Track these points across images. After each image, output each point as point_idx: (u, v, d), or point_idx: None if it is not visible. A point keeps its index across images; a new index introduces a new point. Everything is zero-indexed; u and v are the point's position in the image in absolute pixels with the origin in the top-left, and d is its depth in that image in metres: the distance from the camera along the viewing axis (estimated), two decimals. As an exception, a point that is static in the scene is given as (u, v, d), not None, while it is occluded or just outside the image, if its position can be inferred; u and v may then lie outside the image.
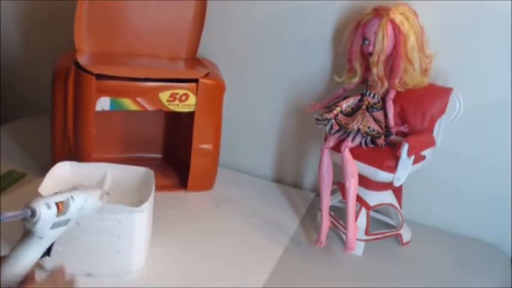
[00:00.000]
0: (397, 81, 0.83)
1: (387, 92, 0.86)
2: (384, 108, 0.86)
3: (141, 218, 0.72)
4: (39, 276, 0.53)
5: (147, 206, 0.72)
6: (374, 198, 0.88)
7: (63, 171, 0.79)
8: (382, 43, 0.81)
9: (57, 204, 0.54)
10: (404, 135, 0.84)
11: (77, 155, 0.91)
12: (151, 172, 0.80)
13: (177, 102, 0.94)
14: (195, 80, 0.94)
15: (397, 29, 0.80)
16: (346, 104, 0.87)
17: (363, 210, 0.87)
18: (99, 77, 0.88)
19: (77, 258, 0.62)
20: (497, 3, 0.85)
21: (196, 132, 0.97)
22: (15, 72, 1.35)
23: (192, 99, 0.94)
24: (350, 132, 0.85)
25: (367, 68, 0.87)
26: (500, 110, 0.90)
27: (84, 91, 0.89)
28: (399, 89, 0.84)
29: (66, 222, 0.56)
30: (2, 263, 0.50)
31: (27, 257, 0.52)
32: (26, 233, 0.53)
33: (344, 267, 0.86)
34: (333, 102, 0.90)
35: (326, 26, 0.98)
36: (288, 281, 0.80)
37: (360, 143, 0.84)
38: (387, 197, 0.90)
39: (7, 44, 1.34)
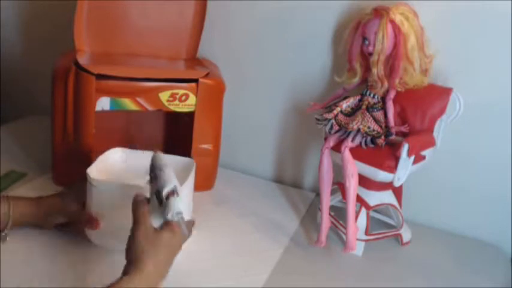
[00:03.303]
0: (397, 81, 0.83)
1: (387, 92, 0.86)
2: (384, 108, 0.86)
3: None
4: None
5: (187, 186, 0.76)
6: (374, 198, 0.88)
7: (114, 156, 0.85)
8: (382, 43, 0.81)
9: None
10: (404, 135, 0.84)
11: (77, 155, 0.91)
12: (193, 161, 0.85)
13: (177, 102, 0.94)
14: (195, 80, 0.94)
15: (397, 29, 0.80)
16: (346, 104, 0.87)
17: (363, 210, 0.87)
18: (99, 77, 0.88)
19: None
20: (497, 3, 0.85)
21: (196, 132, 0.97)
22: (15, 72, 1.35)
23: (192, 99, 0.94)
24: (350, 132, 0.85)
25: (367, 68, 0.87)
26: (501, 110, 0.90)
27: (84, 91, 0.89)
28: (399, 89, 0.84)
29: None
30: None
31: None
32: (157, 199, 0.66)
33: (344, 267, 0.86)
34: (333, 102, 0.90)
35: (326, 26, 0.98)
36: (288, 281, 0.80)
37: (360, 143, 0.84)
38: (387, 197, 0.90)
39: (7, 44, 1.34)
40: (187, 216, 0.69)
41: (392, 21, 0.80)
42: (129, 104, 0.92)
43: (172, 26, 1.02)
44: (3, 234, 0.77)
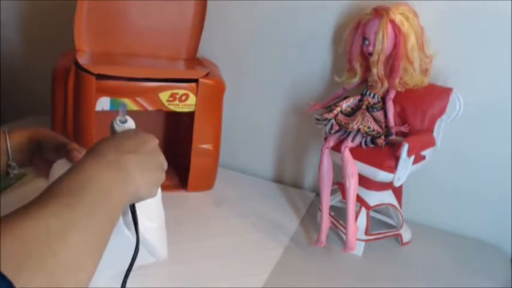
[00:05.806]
0: (397, 81, 0.83)
1: (387, 92, 0.86)
2: (384, 108, 0.86)
3: None
4: None
5: None
6: (374, 198, 0.88)
7: (62, 171, 0.79)
8: (382, 43, 0.81)
9: None
10: (404, 135, 0.84)
11: (77, 155, 0.92)
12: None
13: (177, 102, 0.94)
14: (195, 80, 0.94)
15: (397, 29, 0.80)
16: (346, 104, 0.87)
17: (363, 210, 0.87)
18: (99, 77, 0.88)
19: None
20: (497, 3, 0.85)
21: (196, 132, 0.97)
22: (15, 72, 1.35)
23: (192, 99, 0.94)
24: (350, 132, 0.85)
25: (367, 68, 0.87)
26: (501, 110, 0.90)
27: (84, 91, 0.89)
28: (399, 89, 0.84)
29: None
30: None
31: None
32: None
33: (344, 267, 0.86)
34: (333, 102, 0.90)
35: (326, 26, 0.98)
36: (288, 281, 0.80)
37: (360, 143, 0.84)
38: (387, 197, 0.90)
39: (7, 44, 1.34)
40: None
41: (392, 21, 0.80)
42: (129, 104, 0.92)
43: (172, 26, 1.02)
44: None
